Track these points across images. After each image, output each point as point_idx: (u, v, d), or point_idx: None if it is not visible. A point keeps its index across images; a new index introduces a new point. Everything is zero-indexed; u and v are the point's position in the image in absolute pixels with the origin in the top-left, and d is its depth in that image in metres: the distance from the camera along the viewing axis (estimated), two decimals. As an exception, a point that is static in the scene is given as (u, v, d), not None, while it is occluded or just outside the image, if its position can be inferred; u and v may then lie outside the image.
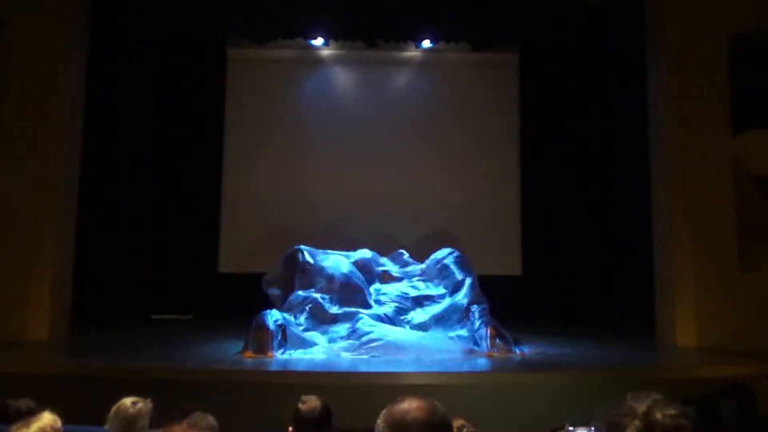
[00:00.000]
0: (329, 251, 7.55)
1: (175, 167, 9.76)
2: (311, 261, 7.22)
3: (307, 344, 6.40)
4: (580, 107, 9.94)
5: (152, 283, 9.35)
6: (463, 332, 6.63)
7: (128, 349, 6.47)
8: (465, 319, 6.74)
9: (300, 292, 7.01)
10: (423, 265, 7.64)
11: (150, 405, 2.96)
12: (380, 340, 6.33)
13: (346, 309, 6.85)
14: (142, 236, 9.23)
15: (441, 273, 7.39)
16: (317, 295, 6.95)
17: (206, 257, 9.82)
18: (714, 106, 7.25)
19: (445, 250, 7.62)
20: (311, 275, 7.14)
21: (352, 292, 7.06)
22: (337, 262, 7.30)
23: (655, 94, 7.77)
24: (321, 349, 6.37)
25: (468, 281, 7.11)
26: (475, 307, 6.78)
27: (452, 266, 7.33)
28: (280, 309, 6.78)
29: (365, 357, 6.14)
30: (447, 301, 7.02)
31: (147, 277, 9.28)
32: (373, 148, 10.21)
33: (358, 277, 7.24)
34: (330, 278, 7.07)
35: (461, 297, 6.96)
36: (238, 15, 8.68)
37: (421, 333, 6.74)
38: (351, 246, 7.93)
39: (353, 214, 9.87)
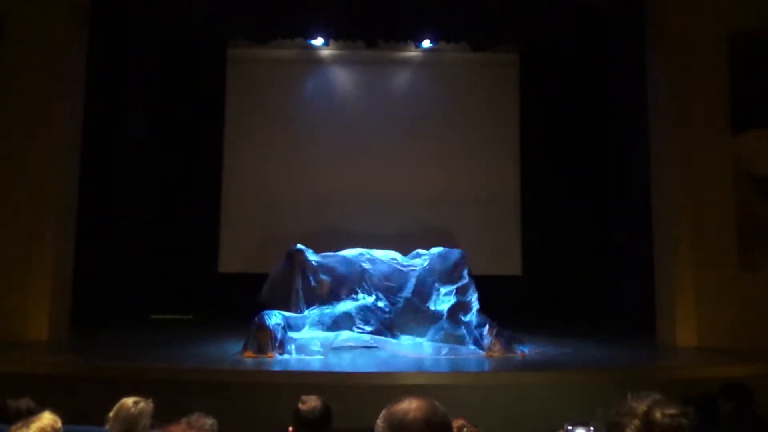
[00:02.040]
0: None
1: (175, 167, 9.76)
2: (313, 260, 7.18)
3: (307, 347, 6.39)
4: (580, 107, 9.93)
5: (152, 283, 9.36)
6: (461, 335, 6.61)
7: (128, 349, 6.46)
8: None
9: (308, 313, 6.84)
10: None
11: (151, 405, 2.97)
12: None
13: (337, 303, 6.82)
14: (142, 236, 9.24)
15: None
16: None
17: (206, 257, 9.83)
18: (714, 106, 7.25)
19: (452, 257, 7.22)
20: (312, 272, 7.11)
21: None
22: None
23: (655, 94, 7.77)
24: (318, 342, 6.34)
25: (475, 305, 6.86)
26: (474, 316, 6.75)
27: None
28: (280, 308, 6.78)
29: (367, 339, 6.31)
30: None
31: (147, 277, 9.30)
32: (373, 148, 10.22)
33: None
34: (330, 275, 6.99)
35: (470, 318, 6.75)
36: (238, 15, 8.67)
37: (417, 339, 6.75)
38: (350, 244, 7.83)
39: (353, 213, 9.88)
